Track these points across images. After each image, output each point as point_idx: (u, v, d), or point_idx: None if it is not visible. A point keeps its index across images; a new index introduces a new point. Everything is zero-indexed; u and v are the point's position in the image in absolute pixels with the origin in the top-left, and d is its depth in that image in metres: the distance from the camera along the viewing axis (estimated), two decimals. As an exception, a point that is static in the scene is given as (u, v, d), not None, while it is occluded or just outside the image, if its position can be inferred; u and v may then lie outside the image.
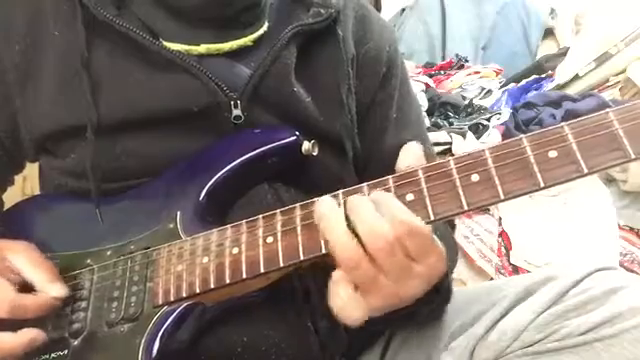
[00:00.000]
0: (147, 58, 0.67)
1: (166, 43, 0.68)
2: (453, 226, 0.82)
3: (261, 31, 0.71)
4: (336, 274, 0.51)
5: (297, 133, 0.67)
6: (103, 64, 0.68)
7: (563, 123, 0.47)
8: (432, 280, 0.52)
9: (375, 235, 0.49)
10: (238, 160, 0.65)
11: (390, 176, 0.52)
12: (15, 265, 0.62)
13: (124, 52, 0.68)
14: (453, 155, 1.50)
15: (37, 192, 0.80)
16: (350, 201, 0.51)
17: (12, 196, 0.83)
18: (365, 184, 0.53)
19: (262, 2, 0.71)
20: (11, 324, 0.59)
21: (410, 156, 0.52)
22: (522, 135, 0.48)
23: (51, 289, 0.61)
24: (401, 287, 0.50)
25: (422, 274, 0.51)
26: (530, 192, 0.47)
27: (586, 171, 0.45)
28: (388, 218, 0.49)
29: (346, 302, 0.50)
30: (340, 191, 0.54)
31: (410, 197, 0.50)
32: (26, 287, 0.61)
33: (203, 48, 0.68)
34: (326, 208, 0.52)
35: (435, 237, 0.50)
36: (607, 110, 0.46)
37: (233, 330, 0.64)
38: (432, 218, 0.49)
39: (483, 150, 0.49)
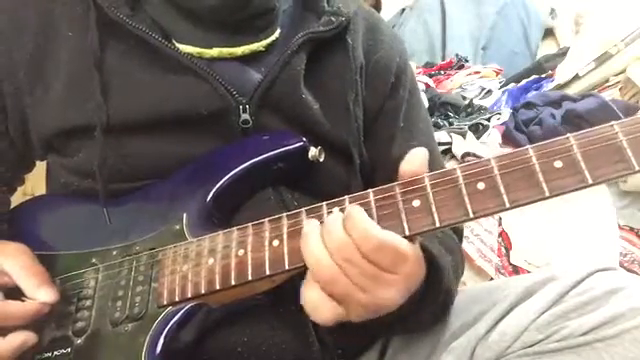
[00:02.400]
0: (158, 60, 0.67)
1: (178, 45, 0.68)
2: (460, 234, 0.82)
3: (273, 37, 0.72)
4: (308, 275, 0.52)
5: (304, 139, 0.67)
6: (114, 65, 0.68)
7: (569, 135, 0.47)
8: (410, 286, 0.53)
9: (337, 250, 0.50)
10: (245, 164, 0.65)
11: (396, 183, 0.52)
12: (5, 269, 0.62)
13: (136, 53, 0.68)
14: (453, 155, 1.51)
15: (38, 192, 0.80)
16: (327, 218, 0.52)
17: (13, 196, 0.84)
18: (371, 190, 0.53)
19: (276, 8, 0.71)
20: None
21: (414, 162, 0.52)
22: (528, 145, 0.48)
23: (39, 294, 0.61)
24: (376, 296, 0.51)
25: (397, 282, 0.51)
26: (535, 201, 0.47)
27: (591, 182, 0.46)
28: (355, 234, 0.50)
29: (316, 303, 0.52)
30: (346, 197, 0.54)
31: (416, 203, 0.51)
32: (20, 290, 0.62)
33: (215, 51, 0.69)
34: (307, 228, 0.53)
35: (408, 244, 0.51)
36: (612, 123, 0.46)
37: (234, 330, 0.64)
38: (438, 225, 0.50)
39: (489, 159, 0.49)
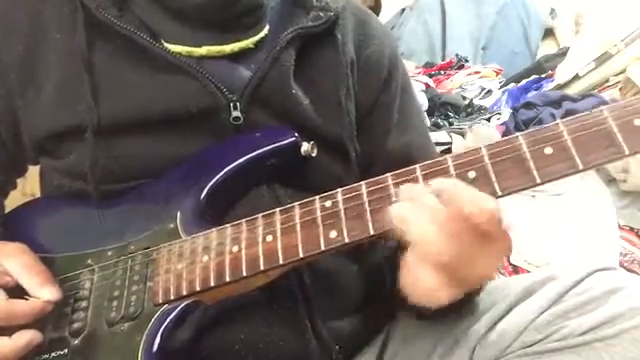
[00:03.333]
0: (147, 59, 0.67)
1: (167, 44, 0.68)
2: None
3: (262, 34, 0.72)
4: (411, 259, 0.47)
5: (296, 134, 0.67)
6: (104, 65, 0.68)
7: (558, 120, 0.47)
8: (498, 264, 0.51)
9: (448, 222, 0.45)
10: (238, 161, 0.65)
11: (389, 174, 0.52)
12: (7, 269, 0.62)
13: (125, 53, 0.68)
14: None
15: (37, 193, 0.80)
16: (424, 196, 0.47)
17: (12, 197, 0.84)
18: (363, 182, 0.52)
19: (264, 5, 0.71)
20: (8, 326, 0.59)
21: None
22: (518, 133, 0.48)
23: (42, 293, 0.61)
24: (474, 267, 0.47)
25: (497, 253, 0.48)
26: (526, 188, 0.47)
27: (581, 167, 0.46)
28: (468, 206, 0.45)
29: (434, 285, 0.46)
30: (339, 190, 0.53)
31: None
32: (22, 290, 0.62)
33: (204, 50, 0.69)
34: (401, 210, 0.47)
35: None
36: (602, 108, 0.46)
37: (231, 328, 0.64)
38: None
39: (479, 147, 0.49)
